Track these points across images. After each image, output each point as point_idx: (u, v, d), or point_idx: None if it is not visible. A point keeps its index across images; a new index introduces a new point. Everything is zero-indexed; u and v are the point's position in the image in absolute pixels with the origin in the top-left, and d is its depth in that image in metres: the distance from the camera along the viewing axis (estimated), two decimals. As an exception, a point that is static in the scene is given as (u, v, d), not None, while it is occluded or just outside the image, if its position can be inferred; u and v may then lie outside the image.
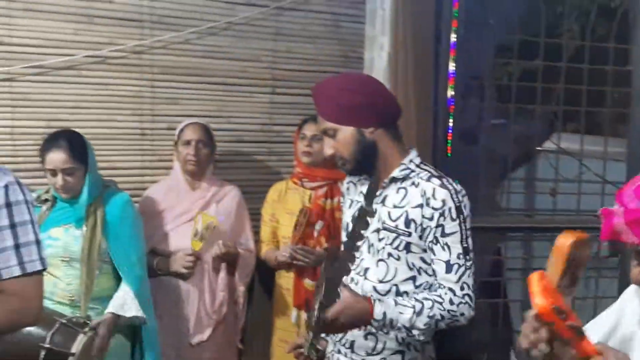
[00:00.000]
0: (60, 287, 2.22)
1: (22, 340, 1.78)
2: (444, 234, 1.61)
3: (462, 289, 1.61)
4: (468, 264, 1.61)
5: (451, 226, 1.61)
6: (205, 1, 2.90)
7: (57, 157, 2.21)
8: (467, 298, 1.61)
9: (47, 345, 1.88)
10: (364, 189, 1.76)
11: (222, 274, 2.62)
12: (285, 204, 2.69)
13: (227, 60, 2.97)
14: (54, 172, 2.22)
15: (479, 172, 3.06)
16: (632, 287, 1.25)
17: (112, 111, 2.79)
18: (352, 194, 1.83)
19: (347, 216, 1.82)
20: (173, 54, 2.87)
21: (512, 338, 3.28)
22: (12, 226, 1.39)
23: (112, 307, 2.20)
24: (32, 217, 1.45)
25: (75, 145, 2.25)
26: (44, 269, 1.45)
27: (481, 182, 3.08)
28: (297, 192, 2.68)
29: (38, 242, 1.44)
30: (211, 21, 2.89)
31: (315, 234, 2.56)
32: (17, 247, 1.39)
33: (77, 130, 2.39)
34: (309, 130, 2.64)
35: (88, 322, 2.05)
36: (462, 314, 1.62)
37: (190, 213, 2.61)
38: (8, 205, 1.39)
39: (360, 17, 3.02)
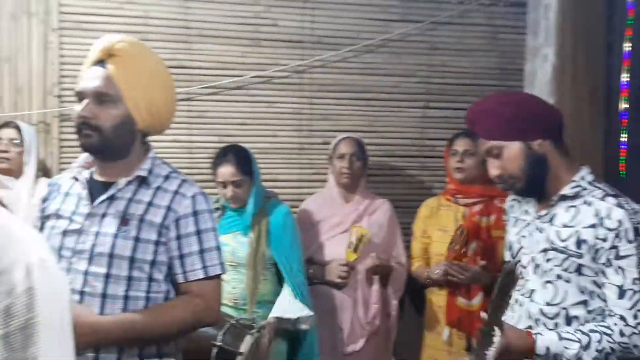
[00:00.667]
0: (226, 290, 2.38)
1: (198, 338, 1.94)
2: (618, 257, 1.49)
3: (635, 317, 1.48)
4: None
5: (627, 248, 1.49)
6: (362, 20, 2.99)
7: (226, 171, 2.40)
8: None
9: (219, 344, 2.03)
10: (529, 207, 1.69)
11: (375, 286, 2.66)
12: (437, 221, 2.67)
13: (381, 77, 3.04)
14: (224, 184, 2.42)
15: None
16: None
17: (274, 127, 2.98)
18: (517, 211, 1.77)
19: (511, 235, 1.76)
20: (331, 72, 3.00)
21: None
22: (198, 233, 1.54)
23: (276, 311, 2.33)
24: (214, 225, 1.60)
25: (242, 159, 2.43)
26: (223, 273, 1.59)
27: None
28: (449, 208, 2.64)
29: (218, 248, 1.58)
30: (367, 39, 2.98)
31: (470, 252, 2.50)
32: (201, 252, 1.54)
33: (243, 144, 2.58)
34: (461, 145, 2.59)
35: (254, 324, 2.19)
36: (636, 346, 1.48)
37: (344, 225, 2.69)
38: (195, 213, 1.55)
39: (520, 27, 2.93)
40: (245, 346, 2.05)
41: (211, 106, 2.93)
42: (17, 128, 2.57)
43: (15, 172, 2.55)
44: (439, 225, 2.65)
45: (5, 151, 2.53)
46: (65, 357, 0.86)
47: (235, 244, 2.43)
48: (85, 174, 1.59)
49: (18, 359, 0.79)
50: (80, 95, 1.50)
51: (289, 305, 2.34)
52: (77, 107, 1.51)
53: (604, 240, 1.50)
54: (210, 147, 2.89)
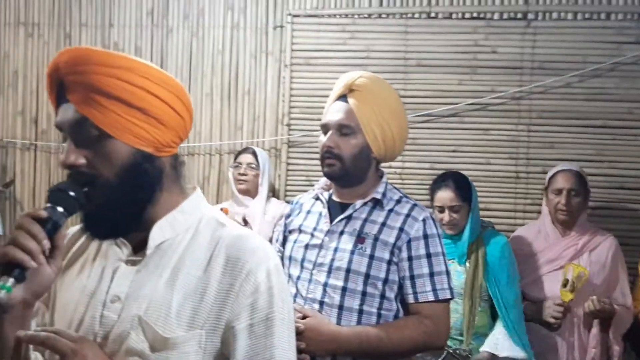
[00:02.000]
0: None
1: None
2: None
3: None
4: None
5: None
6: (590, 43, 2.83)
7: (445, 195, 2.42)
8: None
9: (434, 372, 2.04)
10: None
11: (595, 330, 2.43)
12: None
13: (611, 102, 2.83)
14: (441, 209, 2.44)
15: None
16: None
17: (488, 155, 2.93)
18: None
19: None
20: (552, 98, 2.87)
21: None
22: (428, 256, 1.59)
23: (487, 345, 2.27)
24: (443, 250, 1.62)
25: (462, 185, 2.43)
26: (452, 298, 1.60)
27: None
28: None
29: (448, 273, 1.61)
30: (595, 63, 2.80)
31: None
32: (431, 274, 1.58)
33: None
34: None
35: (470, 355, 2.16)
36: None
37: (560, 260, 2.51)
38: (425, 237, 1.60)
39: None
40: None
41: (424, 133, 2.99)
42: (254, 153, 2.89)
43: (251, 192, 2.86)
44: None
45: (244, 174, 2.86)
46: (292, 347, 0.97)
47: (451, 272, 2.41)
48: (326, 195, 1.74)
49: (261, 345, 0.93)
50: (325, 128, 1.66)
51: (502, 342, 2.26)
52: (322, 138, 1.67)
53: None
54: (421, 173, 2.95)
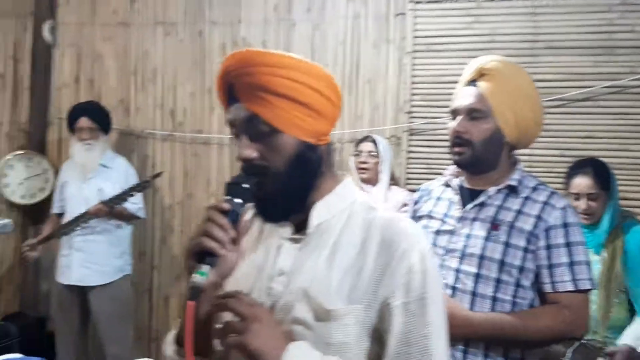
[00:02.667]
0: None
1: (546, 351, 1.90)
2: None
3: None
4: None
5: None
6: None
7: (582, 182, 2.30)
8: None
9: (568, 361, 1.96)
10: None
11: None
12: None
13: None
14: (577, 197, 2.32)
15: None
16: None
17: (626, 140, 2.75)
18: None
19: None
20: (701, 77, 2.62)
21: None
22: (568, 245, 1.52)
23: (628, 338, 2.13)
24: (584, 239, 1.55)
25: (601, 173, 2.30)
26: (593, 289, 1.53)
27: None
28: None
29: (588, 263, 1.53)
30: None
31: None
32: (571, 264, 1.51)
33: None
34: None
35: (604, 347, 2.05)
36: None
37: None
38: (565, 225, 1.53)
39: None
40: None
41: (555, 119, 2.85)
42: (374, 141, 2.92)
43: (372, 180, 2.90)
44: None
45: (365, 162, 2.90)
46: (445, 328, 1.01)
47: (588, 262, 2.30)
48: (456, 181, 1.72)
49: (416, 322, 0.97)
50: (454, 113, 1.64)
51: (639, 335, 2.11)
52: (451, 124, 1.65)
53: None
54: (550, 160, 2.83)
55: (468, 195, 1.66)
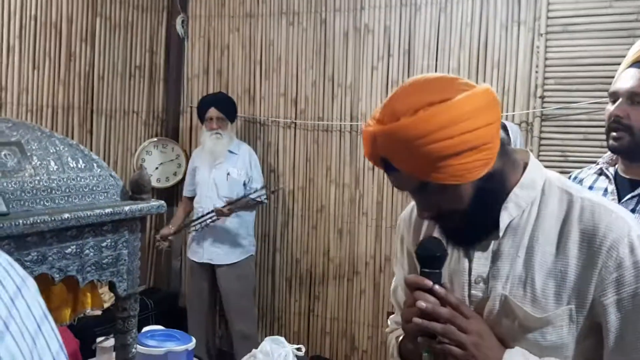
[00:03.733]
0: None
1: None
2: None
3: None
4: None
5: None
6: None
7: None
8: None
9: None
10: None
11: None
12: None
13: None
14: None
15: None
16: None
17: None
18: None
19: None
20: None
21: None
22: None
23: None
24: None
25: None
26: None
27: None
28: None
29: None
30: None
31: None
32: None
33: None
34: None
35: None
36: None
37: None
38: None
39: None
40: None
41: None
42: (504, 128, 2.81)
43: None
44: None
45: None
46: None
47: None
48: (612, 170, 1.61)
49: (631, 319, 0.90)
50: (614, 96, 1.52)
51: None
52: (609, 107, 1.53)
53: None
54: None
55: (626, 185, 1.54)
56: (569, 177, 1.77)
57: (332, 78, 3.50)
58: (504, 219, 0.98)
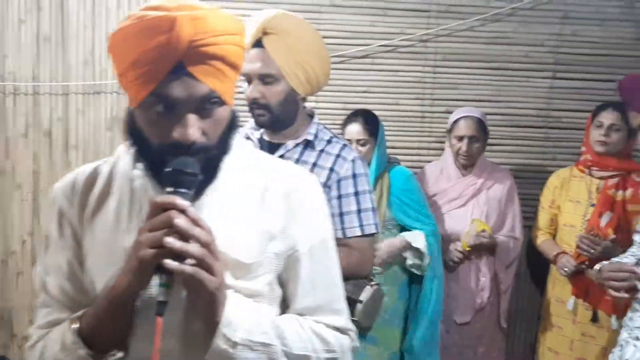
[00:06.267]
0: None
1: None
2: None
3: None
4: None
5: None
6: (491, -12, 2.97)
7: (354, 129, 2.53)
8: None
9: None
10: None
11: (485, 260, 2.70)
12: (568, 192, 2.64)
13: (509, 46, 3.01)
14: (349, 142, 2.53)
15: None
16: None
17: (397, 95, 3.05)
18: None
19: None
20: (456, 41, 3.01)
21: None
22: (356, 194, 1.67)
23: (406, 235, 2.44)
24: (370, 187, 1.72)
25: (369, 121, 2.54)
26: (377, 232, 1.71)
27: None
28: (582, 180, 2.61)
29: (374, 209, 1.71)
30: (496, 7, 2.95)
31: (602, 224, 2.47)
32: (359, 211, 1.67)
33: None
34: (608, 119, 2.52)
35: (373, 277, 2.31)
36: None
37: (460, 199, 2.72)
38: (354, 176, 1.67)
39: (660, -4, 2.79)
40: (365, 295, 2.16)
41: (337, 74, 3.02)
42: None
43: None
44: (569, 196, 2.63)
45: None
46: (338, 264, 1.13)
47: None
48: (257, 134, 1.75)
49: (321, 265, 1.05)
50: (247, 77, 1.64)
51: (418, 238, 2.43)
52: (246, 87, 1.64)
53: None
54: (334, 113, 3.02)
55: (268, 149, 1.69)
56: None
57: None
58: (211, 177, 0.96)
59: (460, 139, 2.68)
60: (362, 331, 2.39)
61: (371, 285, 2.22)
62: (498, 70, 3.03)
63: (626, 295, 1.69)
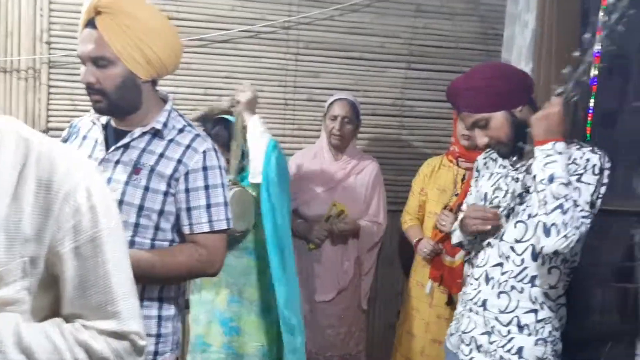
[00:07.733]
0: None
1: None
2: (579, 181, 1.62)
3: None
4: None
5: (588, 178, 1.61)
6: (350, -21, 3.04)
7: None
8: None
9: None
10: (506, 162, 1.84)
11: (349, 244, 2.80)
12: (436, 180, 2.77)
13: (367, 36, 3.11)
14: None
15: (617, 155, 2.97)
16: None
17: (259, 82, 3.04)
18: (492, 167, 1.92)
19: (486, 187, 1.90)
20: (317, 29, 3.06)
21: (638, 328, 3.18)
22: (206, 188, 1.57)
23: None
24: (223, 181, 1.61)
25: None
26: (229, 228, 1.62)
27: (619, 165, 3.00)
28: (449, 169, 2.75)
29: (226, 204, 1.61)
30: (355, -2, 3.04)
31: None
32: (208, 206, 1.57)
33: (228, 97, 2.60)
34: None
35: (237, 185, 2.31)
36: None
37: (332, 183, 2.79)
38: (204, 169, 1.57)
39: (502, -7, 3.02)
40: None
41: (198, 58, 2.97)
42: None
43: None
44: (436, 184, 2.76)
45: None
46: (126, 260, 1.01)
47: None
48: (103, 119, 1.62)
49: (92, 264, 0.95)
50: (81, 60, 1.51)
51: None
52: (82, 70, 1.51)
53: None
54: (195, 99, 2.96)
55: (116, 136, 1.58)
56: (70, 126, 1.72)
57: None
58: None
59: (334, 118, 2.75)
60: (239, 236, 2.33)
61: (232, 188, 2.15)
62: (356, 60, 3.12)
63: (488, 227, 1.77)
